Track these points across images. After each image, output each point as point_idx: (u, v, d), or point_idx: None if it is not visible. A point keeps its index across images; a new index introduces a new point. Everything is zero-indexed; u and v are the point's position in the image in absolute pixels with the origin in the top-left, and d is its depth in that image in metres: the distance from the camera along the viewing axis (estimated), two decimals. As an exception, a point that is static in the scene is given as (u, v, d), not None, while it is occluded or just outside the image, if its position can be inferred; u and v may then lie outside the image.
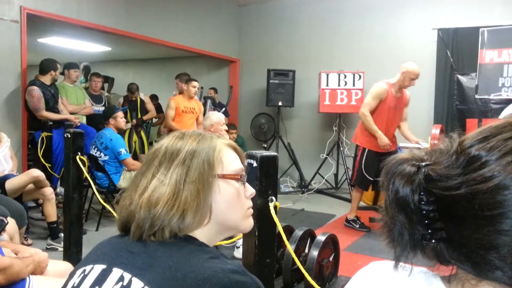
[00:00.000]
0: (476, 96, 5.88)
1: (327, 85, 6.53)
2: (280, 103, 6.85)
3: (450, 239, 0.56)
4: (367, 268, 0.66)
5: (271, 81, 6.82)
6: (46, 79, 4.68)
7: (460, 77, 6.01)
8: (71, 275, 0.82)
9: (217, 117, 4.02)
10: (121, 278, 0.74)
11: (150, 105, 6.44)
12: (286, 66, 6.98)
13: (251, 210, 0.94)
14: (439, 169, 0.57)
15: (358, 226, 4.60)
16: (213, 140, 0.90)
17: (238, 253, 3.52)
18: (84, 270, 0.80)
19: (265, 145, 7.15)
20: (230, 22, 7.71)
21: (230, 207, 0.88)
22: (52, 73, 4.71)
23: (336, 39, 6.95)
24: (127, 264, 0.76)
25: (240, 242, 3.51)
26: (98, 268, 0.78)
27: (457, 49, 6.04)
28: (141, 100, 6.30)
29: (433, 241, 0.57)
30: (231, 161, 0.90)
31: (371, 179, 4.37)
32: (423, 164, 0.58)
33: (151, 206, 0.79)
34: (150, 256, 0.76)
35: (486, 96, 5.82)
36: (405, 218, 0.58)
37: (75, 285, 0.78)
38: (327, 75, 6.54)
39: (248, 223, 0.94)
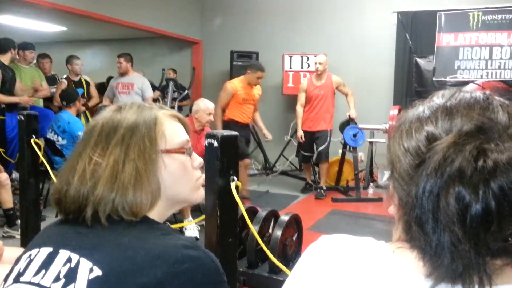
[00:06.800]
0: (434, 79, 6.07)
1: (291, 68, 6.56)
2: (243, 86, 6.81)
3: None
4: (317, 242, 0.67)
5: (234, 63, 6.77)
6: (6, 59, 4.47)
7: (418, 59, 6.17)
8: (17, 260, 0.78)
9: (204, 105, 3.93)
10: (69, 259, 0.71)
11: (93, 90, 5.90)
12: (249, 48, 6.93)
13: (201, 181, 0.91)
14: None
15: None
16: (153, 111, 0.85)
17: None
18: (30, 255, 0.76)
19: (229, 128, 7.13)
20: (192, 2, 7.55)
21: (178, 182, 0.85)
22: (12, 51, 4.50)
23: (299, 22, 6.95)
24: (75, 245, 0.73)
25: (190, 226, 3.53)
26: (45, 251, 0.75)
27: (416, 32, 6.19)
28: (86, 82, 5.78)
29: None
30: (174, 134, 0.85)
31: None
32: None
33: (90, 190, 0.75)
34: (98, 236, 0.74)
35: (442, 78, 6.02)
36: (469, 236, 0.48)
37: (21, 270, 0.75)
38: (290, 57, 6.56)
39: (198, 194, 0.91)
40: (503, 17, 5.72)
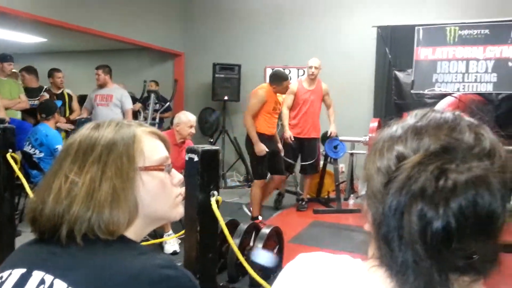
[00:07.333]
0: (412, 91, 6.18)
1: (272, 80, 6.59)
2: (226, 98, 6.84)
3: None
4: (295, 261, 0.67)
5: (216, 75, 6.79)
6: None
7: (397, 73, 6.28)
8: None
9: (186, 117, 3.86)
10: (42, 281, 0.70)
11: (75, 104, 5.84)
12: (231, 60, 6.96)
13: (180, 197, 0.90)
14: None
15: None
16: (132, 129, 0.83)
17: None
18: (1, 277, 0.74)
19: (211, 140, 7.11)
20: (174, 15, 7.56)
21: (157, 199, 0.83)
22: None
23: (281, 35, 7.02)
24: (49, 265, 0.71)
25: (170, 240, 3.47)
26: (17, 272, 0.73)
27: (395, 46, 6.30)
28: (69, 95, 5.73)
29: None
30: (153, 151, 0.84)
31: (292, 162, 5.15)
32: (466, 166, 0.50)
33: (66, 209, 0.74)
34: (73, 256, 0.72)
35: (421, 91, 6.14)
36: (433, 255, 0.49)
37: None
38: (272, 69, 6.59)
39: (178, 212, 0.90)
40: (479, 32, 5.89)
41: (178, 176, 0.89)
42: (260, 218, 4.39)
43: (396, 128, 0.61)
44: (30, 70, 5.58)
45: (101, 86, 5.23)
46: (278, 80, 4.37)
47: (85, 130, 0.83)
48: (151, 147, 0.84)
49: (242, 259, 1.66)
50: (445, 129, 0.55)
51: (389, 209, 0.52)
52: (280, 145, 4.76)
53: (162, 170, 0.84)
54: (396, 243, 0.51)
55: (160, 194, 0.84)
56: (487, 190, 0.49)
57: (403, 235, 0.50)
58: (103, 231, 0.74)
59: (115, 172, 0.77)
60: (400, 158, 0.55)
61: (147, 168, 0.82)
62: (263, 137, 4.32)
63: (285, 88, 4.41)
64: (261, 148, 4.25)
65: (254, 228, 3.02)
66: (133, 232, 0.80)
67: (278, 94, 4.46)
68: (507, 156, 0.55)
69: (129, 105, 5.27)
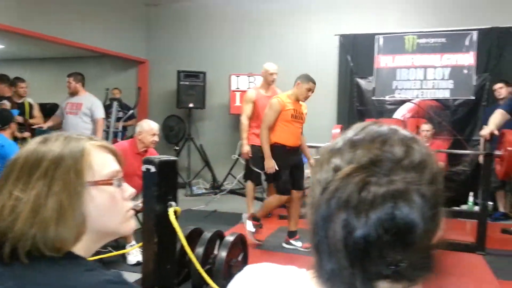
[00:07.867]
0: (373, 98, 6.35)
1: (237, 87, 6.62)
2: (191, 105, 6.81)
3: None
4: (242, 273, 0.68)
5: (181, 82, 6.76)
6: None
7: (359, 80, 6.44)
8: None
9: (148, 126, 3.76)
10: None
11: (37, 112, 5.62)
12: (197, 68, 6.95)
13: (132, 212, 0.88)
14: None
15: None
16: (81, 143, 0.82)
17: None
18: None
19: (177, 148, 7.05)
20: (137, 22, 7.48)
21: (106, 214, 0.82)
22: None
23: (246, 42, 7.07)
24: None
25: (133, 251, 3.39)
26: None
27: (356, 54, 6.46)
28: (30, 104, 5.55)
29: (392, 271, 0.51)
30: (103, 165, 0.83)
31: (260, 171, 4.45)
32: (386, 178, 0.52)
33: (9, 226, 0.72)
34: (18, 277, 0.70)
35: (382, 98, 6.32)
36: (357, 263, 0.51)
37: None
38: (237, 77, 6.63)
39: (129, 226, 0.88)
40: (436, 41, 6.13)
41: (130, 190, 0.88)
42: (256, 224, 4.10)
43: (338, 140, 0.63)
44: (3, 78, 5.37)
45: (73, 94, 5.11)
46: (305, 78, 4.01)
47: (32, 145, 0.81)
48: (101, 161, 0.83)
49: (200, 269, 1.65)
50: (378, 142, 0.57)
51: (320, 219, 0.54)
52: (312, 160, 4.27)
53: (111, 184, 0.83)
54: (325, 252, 0.53)
55: (109, 208, 0.82)
56: (406, 203, 0.50)
57: (329, 244, 0.52)
58: (48, 248, 0.72)
59: (62, 188, 0.75)
60: (336, 170, 0.57)
61: (96, 183, 0.80)
62: (283, 150, 3.88)
63: (307, 89, 3.94)
64: (270, 165, 3.85)
65: (218, 236, 3.01)
66: (82, 248, 0.79)
67: (300, 103, 4.05)
68: (439, 169, 0.58)
69: (99, 114, 5.10)
